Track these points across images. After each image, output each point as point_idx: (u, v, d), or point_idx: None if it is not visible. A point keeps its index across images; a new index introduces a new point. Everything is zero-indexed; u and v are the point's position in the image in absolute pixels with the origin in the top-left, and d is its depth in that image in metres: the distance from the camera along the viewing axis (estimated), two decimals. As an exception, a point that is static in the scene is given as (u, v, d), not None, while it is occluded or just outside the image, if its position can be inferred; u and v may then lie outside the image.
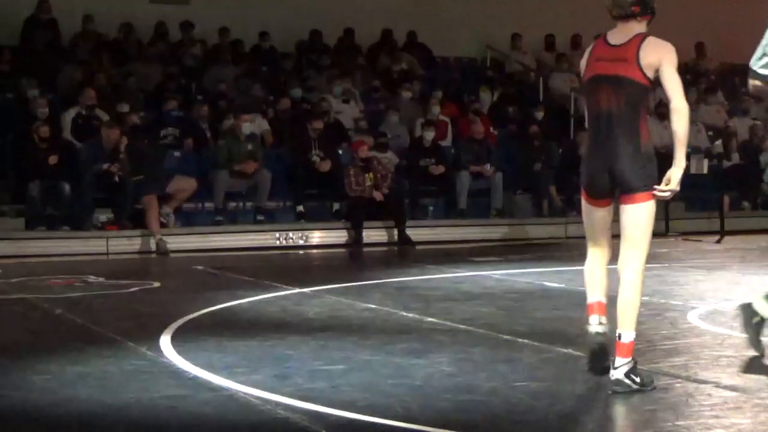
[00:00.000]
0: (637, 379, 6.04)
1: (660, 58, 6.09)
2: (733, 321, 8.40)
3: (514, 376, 6.55)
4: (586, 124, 6.41)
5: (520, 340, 7.73)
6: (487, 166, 17.29)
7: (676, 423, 5.39)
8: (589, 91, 6.26)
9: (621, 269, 6.29)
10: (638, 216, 6.17)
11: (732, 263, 12.88)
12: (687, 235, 16.89)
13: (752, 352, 7.03)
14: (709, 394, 6.01)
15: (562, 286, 10.84)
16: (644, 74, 6.08)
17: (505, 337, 7.88)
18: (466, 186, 17.18)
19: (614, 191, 6.19)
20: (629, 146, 6.06)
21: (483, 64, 21.92)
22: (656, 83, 6.10)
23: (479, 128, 17.82)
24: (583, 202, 6.36)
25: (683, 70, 23.13)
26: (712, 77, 22.72)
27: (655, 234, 17.86)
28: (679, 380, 6.35)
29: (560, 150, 18.67)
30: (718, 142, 19.72)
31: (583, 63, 6.36)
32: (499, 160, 17.66)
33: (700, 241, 16.16)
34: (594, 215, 6.33)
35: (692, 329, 8.16)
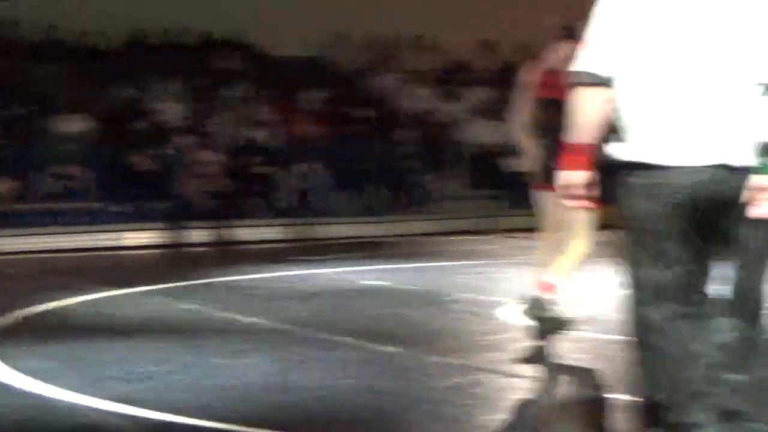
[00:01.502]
0: None
1: None
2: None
3: (332, 374, 6.54)
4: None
5: (339, 338, 7.73)
6: (315, 165, 17.27)
7: (489, 417, 5.45)
8: None
9: None
10: None
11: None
12: (512, 232, 17.14)
13: (570, 347, 7.18)
14: (521, 388, 6.10)
15: (387, 284, 10.89)
16: None
17: (325, 335, 7.87)
18: (294, 185, 17.13)
19: None
20: None
21: (313, 64, 21.91)
22: None
23: (308, 128, 17.80)
24: None
25: (511, 69, 23.56)
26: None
27: (480, 231, 18.08)
28: (494, 375, 6.44)
29: (387, 149, 18.77)
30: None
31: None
32: (327, 158, 17.66)
33: (526, 237, 16.40)
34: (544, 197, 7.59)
35: (506, 325, 8.26)
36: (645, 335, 4.08)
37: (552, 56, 7.48)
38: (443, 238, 16.30)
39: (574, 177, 4.20)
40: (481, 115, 20.51)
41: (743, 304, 4.12)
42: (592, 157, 4.18)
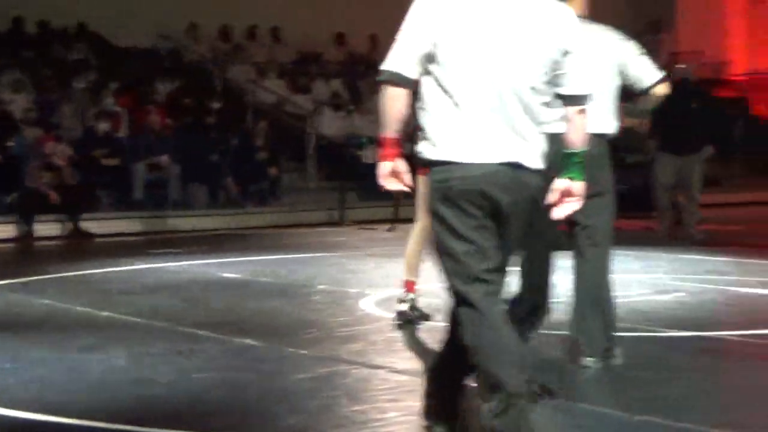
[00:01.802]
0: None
1: None
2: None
3: (194, 367, 6.54)
4: None
5: (200, 331, 7.72)
6: (164, 157, 17.13)
7: (354, 408, 5.54)
8: None
9: None
10: None
11: (404, 250, 13.24)
12: (362, 224, 17.28)
13: (425, 337, 7.31)
14: (385, 379, 6.20)
15: (240, 276, 10.89)
16: None
17: (185, 329, 7.85)
18: (143, 177, 16.96)
19: None
20: None
21: (159, 54, 21.68)
22: None
23: (155, 119, 17.64)
24: None
25: (359, 61, 23.68)
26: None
27: (331, 223, 18.19)
28: (356, 366, 6.52)
29: (237, 141, 18.71)
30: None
31: None
32: (176, 151, 17.50)
33: (375, 229, 16.56)
34: None
35: (367, 316, 8.37)
36: (458, 313, 4.55)
37: None
38: (296, 230, 16.32)
39: (383, 168, 4.69)
40: (331, 107, 20.60)
41: (531, 294, 5.08)
42: (400, 148, 4.66)
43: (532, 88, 4.48)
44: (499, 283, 4.57)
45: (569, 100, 4.61)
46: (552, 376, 5.95)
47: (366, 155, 17.99)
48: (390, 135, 4.67)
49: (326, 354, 6.89)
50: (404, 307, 7.87)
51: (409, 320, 7.80)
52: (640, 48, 6.60)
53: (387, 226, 16.43)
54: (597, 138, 5.89)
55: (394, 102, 4.60)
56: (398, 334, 7.56)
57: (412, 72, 4.52)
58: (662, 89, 6.61)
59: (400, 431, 5.16)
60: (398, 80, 4.55)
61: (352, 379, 6.23)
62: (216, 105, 19.09)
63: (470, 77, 4.44)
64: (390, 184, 4.71)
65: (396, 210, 16.87)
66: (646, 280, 10.15)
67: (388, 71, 4.58)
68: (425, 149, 4.59)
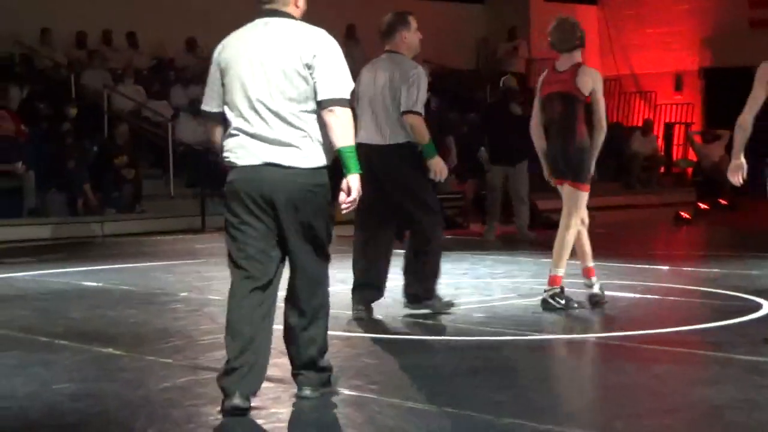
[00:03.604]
0: (562, 302, 8.39)
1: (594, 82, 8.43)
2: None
3: (52, 378, 6.40)
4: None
5: (58, 341, 7.56)
6: (19, 165, 16.74)
7: (218, 417, 5.47)
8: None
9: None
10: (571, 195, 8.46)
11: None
12: (223, 231, 17.11)
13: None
14: (249, 386, 6.12)
15: (100, 284, 10.69)
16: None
17: (42, 339, 7.68)
18: (-2, 185, 16.57)
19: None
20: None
21: (11, 60, 21.20)
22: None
23: (8, 125, 17.22)
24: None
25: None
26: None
27: (192, 230, 17.96)
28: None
29: (94, 147, 18.39)
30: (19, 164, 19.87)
31: (539, 85, 8.64)
32: (31, 158, 17.13)
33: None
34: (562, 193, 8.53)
35: (231, 323, 8.26)
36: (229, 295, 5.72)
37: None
38: (156, 238, 16.11)
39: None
40: (189, 114, 20.38)
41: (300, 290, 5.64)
42: None
43: (283, 99, 5.47)
44: (258, 269, 5.57)
45: (319, 104, 5.49)
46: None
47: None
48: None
49: (189, 362, 6.79)
50: (596, 289, 8.66)
51: (597, 301, 8.59)
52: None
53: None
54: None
55: (210, 132, 5.81)
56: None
57: (214, 106, 5.70)
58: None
59: (267, 439, 5.10)
60: (207, 115, 5.77)
61: (216, 387, 6.14)
62: (72, 111, 18.71)
63: (240, 103, 5.53)
64: None
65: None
66: (509, 284, 10.26)
67: (202, 110, 5.84)
68: (226, 155, 5.60)
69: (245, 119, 5.52)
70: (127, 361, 6.90)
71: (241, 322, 5.60)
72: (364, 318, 8.20)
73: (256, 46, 5.55)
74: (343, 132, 5.49)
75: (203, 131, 20.05)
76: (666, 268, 10.76)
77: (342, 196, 5.49)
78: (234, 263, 5.64)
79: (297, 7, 5.68)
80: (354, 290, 8.32)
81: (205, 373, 6.42)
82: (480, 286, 10.11)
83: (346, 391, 5.94)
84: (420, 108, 8.11)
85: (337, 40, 5.70)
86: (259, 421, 5.37)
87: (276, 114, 5.48)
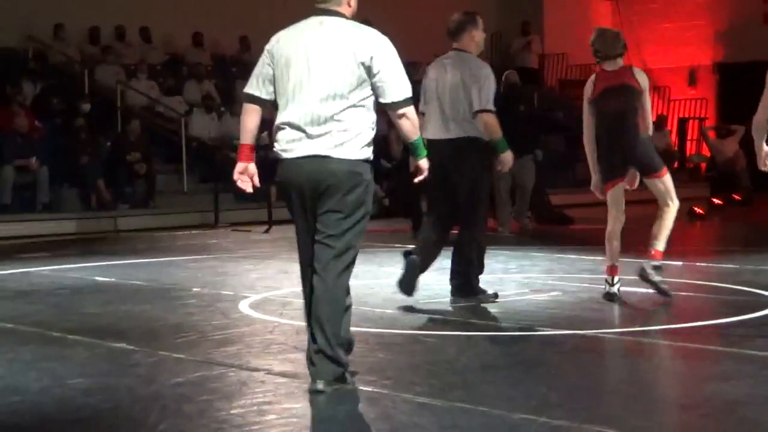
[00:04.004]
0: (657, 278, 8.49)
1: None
2: (283, 309, 8.64)
3: (65, 373, 6.41)
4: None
5: (71, 336, 7.57)
6: (32, 160, 16.78)
7: (231, 412, 5.47)
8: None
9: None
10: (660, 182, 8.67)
11: (280, 252, 13.20)
12: (236, 226, 17.15)
13: (302, 338, 7.27)
14: (262, 381, 6.14)
15: (113, 280, 10.71)
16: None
17: (56, 334, 7.69)
18: (11, 180, 16.59)
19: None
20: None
21: (25, 55, 21.23)
22: None
23: (23, 121, 17.25)
24: (610, 193, 8.61)
25: (229, 62, 23.50)
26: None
27: (205, 225, 18.06)
28: (233, 369, 6.45)
29: (108, 143, 18.42)
30: (264, 134, 20.12)
31: (588, 88, 8.65)
32: (45, 153, 17.17)
33: (249, 231, 16.45)
34: (618, 192, 8.63)
35: (243, 318, 8.29)
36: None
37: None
38: (169, 233, 16.13)
39: (238, 168, 6.08)
40: (203, 109, 20.39)
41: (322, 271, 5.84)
42: (252, 152, 6.10)
43: (333, 95, 5.78)
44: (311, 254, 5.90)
45: (387, 106, 5.90)
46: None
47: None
48: (244, 141, 6.12)
49: (202, 357, 6.79)
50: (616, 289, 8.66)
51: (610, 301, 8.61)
52: None
53: (264, 229, 16.35)
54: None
55: (247, 116, 6.03)
56: (274, 337, 7.49)
57: (262, 93, 5.97)
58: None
59: (279, 434, 5.10)
60: (251, 99, 5.99)
61: (229, 382, 6.15)
62: (85, 107, 18.73)
63: (285, 88, 5.87)
64: (241, 182, 6.12)
65: (270, 212, 16.80)
66: (522, 280, 10.25)
67: (244, 93, 6.04)
68: (276, 147, 5.97)
69: (295, 112, 5.83)
70: (140, 356, 6.91)
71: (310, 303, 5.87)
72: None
73: (310, 43, 5.86)
74: (414, 128, 5.98)
75: (216, 126, 20.17)
76: (679, 263, 10.73)
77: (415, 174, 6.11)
78: (298, 250, 6.08)
79: (349, 6, 6.00)
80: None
81: (217, 369, 6.43)
82: (493, 281, 10.09)
83: (360, 387, 5.94)
84: (491, 106, 8.47)
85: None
86: (272, 417, 5.37)
87: (324, 109, 5.80)
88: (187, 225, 17.20)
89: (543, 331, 7.64)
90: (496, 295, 8.78)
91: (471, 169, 8.56)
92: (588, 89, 8.74)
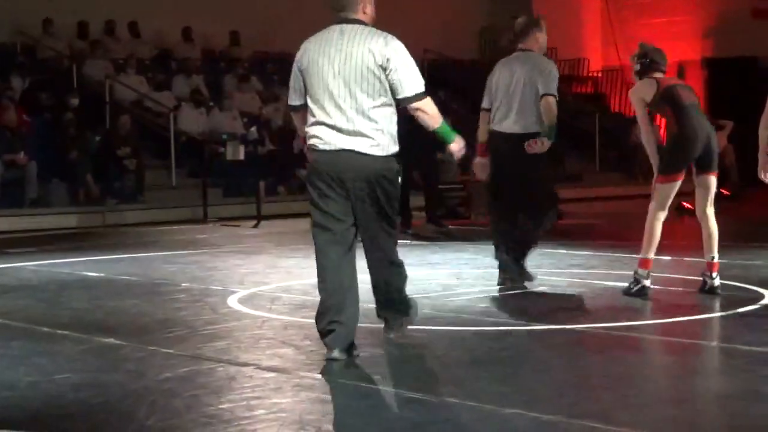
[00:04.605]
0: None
1: None
2: (271, 304, 8.63)
3: (54, 369, 6.39)
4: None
5: (60, 331, 7.55)
6: (21, 155, 16.74)
7: (220, 407, 5.46)
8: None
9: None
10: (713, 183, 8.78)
11: (269, 247, 13.20)
12: (225, 221, 17.14)
13: (290, 334, 7.26)
14: (251, 376, 6.12)
15: (102, 275, 10.69)
16: None
17: (44, 329, 7.67)
18: (1, 175, 16.55)
19: None
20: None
21: (13, 50, 21.19)
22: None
23: (11, 116, 17.21)
24: (667, 185, 8.62)
25: (219, 57, 23.46)
26: (245, 65, 23.16)
27: (194, 220, 18.05)
28: (221, 364, 6.43)
29: (96, 138, 18.39)
30: (253, 129, 20.14)
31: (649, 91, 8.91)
32: (33, 148, 17.13)
33: (238, 226, 16.44)
34: (676, 187, 8.65)
35: (232, 313, 8.28)
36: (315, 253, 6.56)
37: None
38: (158, 228, 16.10)
39: (309, 157, 6.65)
40: (192, 104, 20.35)
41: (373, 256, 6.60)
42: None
43: (358, 95, 6.39)
44: (338, 226, 6.45)
45: (402, 102, 6.49)
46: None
47: (228, 152, 17.81)
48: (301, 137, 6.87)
49: (191, 352, 6.78)
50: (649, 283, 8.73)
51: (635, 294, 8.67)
52: None
53: (252, 224, 16.34)
54: None
55: (296, 121, 6.82)
56: (263, 332, 7.48)
57: (299, 101, 6.64)
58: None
59: (268, 428, 5.09)
60: (293, 108, 6.71)
61: (218, 377, 6.14)
62: (74, 101, 18.69)
63: (316, 92, 6.48)
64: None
65: (259, 207, 16.79)
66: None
67: (288, 105, 6.79)
68: (310, 142, 6.55)
69: (326, 113, 6.44)
70: (129, 351, 6.89)
71: (332, 274, 6.49)
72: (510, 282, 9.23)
73: (334, 50, 6.46)
74: (432, 118, 6.57)
75: (204, 121, 20.12)
76: (668, 258, 10.74)
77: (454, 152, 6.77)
78: (318, 226, 6.51)
79: (365, 13, 6.58)
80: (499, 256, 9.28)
81: (206, 364, 6.42)
82: (482, 275, 10.09)
83: (350, 382, 5.93)
84: (555, 92, 9.05)
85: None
86: (261, 411, 5.36)
87: (352, 108, 6.40)
88: (175, 220, 17.19)
89: (533, 326, 7.64)
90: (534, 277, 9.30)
91: (538, 162, 8.99)
92: (648, 92, 8.90)
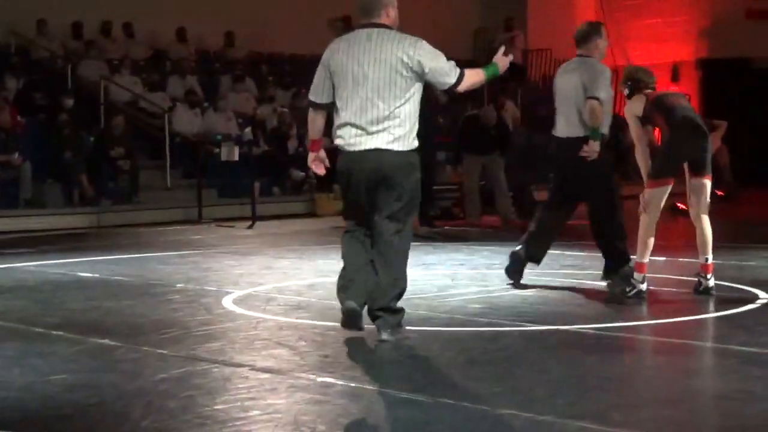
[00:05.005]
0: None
1: None
2: (266, 304, 8.63)
3: (49, 369, 6.39)
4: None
5: (54, 332, 7.55)
6: (15, 155, 16.72)
7: (215, 407, 5.46)
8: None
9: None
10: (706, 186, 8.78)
11: (264, 248, 13.20)
12: (220, 222, 17.13)
13: (285, 335, 7.26)
14: (246, 377, 6.13)
15: (96, 275, 10.68)
16: None
17: (39, 330, 7.66)
18: (-4, 176, 16.54)
19: None
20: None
21: (7, 50, 21.16)
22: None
23: (5, 116, 17.19)
24: (658, 189, 8.65)
25: (213, 58, 23.45)
26: (240, 66, 23.15)
27: (188, 221, 18.01)
28: (216, 365, 6.43)
29: (91, 138, 18.37)
30: (248, 130, 20.13)
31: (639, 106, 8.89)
32: (28, 148, 17.11)
33: (233, 227, 16.43)
34: (666, 192, 8.71)
35: (227, 314, 8.28)
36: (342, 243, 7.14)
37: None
38: (152, 229, 16.10)
39: (310, 157, 7.31)
40: (186, 105, 20.34)
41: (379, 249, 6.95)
42: (319, 145, 7.30)
43: (386, 96, 6.82)
44: (362, 218, 7.02)
45: (448, 91, 7.17)
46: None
47: (223, 152, 17.80)
48: (312, 137, 7.25)
49: (185, 353, 6.78)
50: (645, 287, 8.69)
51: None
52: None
53: (247, 224, 16.33)
54: None
55: (313, 118, 7.13)
56: (258, 332, 7.49)
57: (323, 98, 7.01)
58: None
59: (263, 429, 5.09)
60: (314, 104, 7.08)
61: (213, 377, 6.15)
62: (68, 102, 18.67)
63: (344, 93, 6.89)
64: (315, 167, 7.31)
65: (254, 208, 16.78)
66: (505, 275, 10.23)
67: (309, 100, 7.13)
68: (337, 140, 6.98)
69: (354, 113, 6.86)
70: (124, 352, 6.89)
71: (350, 256, 7.05)
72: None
73: (361, 54, 6.87)
74: (476, 81, 7.18)
75: (199, 122, 20.08)
76: (662, 258, 10.75)
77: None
78: (347, 214, 7.21)
79: (388, 17, 6.97)
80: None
81: (201, 364, 6.42)
82: (477, 276, 10.11)
83: (342, 382, 5.94)
84: (599, 95, 9.16)
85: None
86: (255, 412, 5.36)
87: (379, 108, 6.82)
88: (170, 221, 17.17)
89: (527, 326, 7.65)
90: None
91: (593, 166, 9.16)
92: (639, 106, 8.92)
